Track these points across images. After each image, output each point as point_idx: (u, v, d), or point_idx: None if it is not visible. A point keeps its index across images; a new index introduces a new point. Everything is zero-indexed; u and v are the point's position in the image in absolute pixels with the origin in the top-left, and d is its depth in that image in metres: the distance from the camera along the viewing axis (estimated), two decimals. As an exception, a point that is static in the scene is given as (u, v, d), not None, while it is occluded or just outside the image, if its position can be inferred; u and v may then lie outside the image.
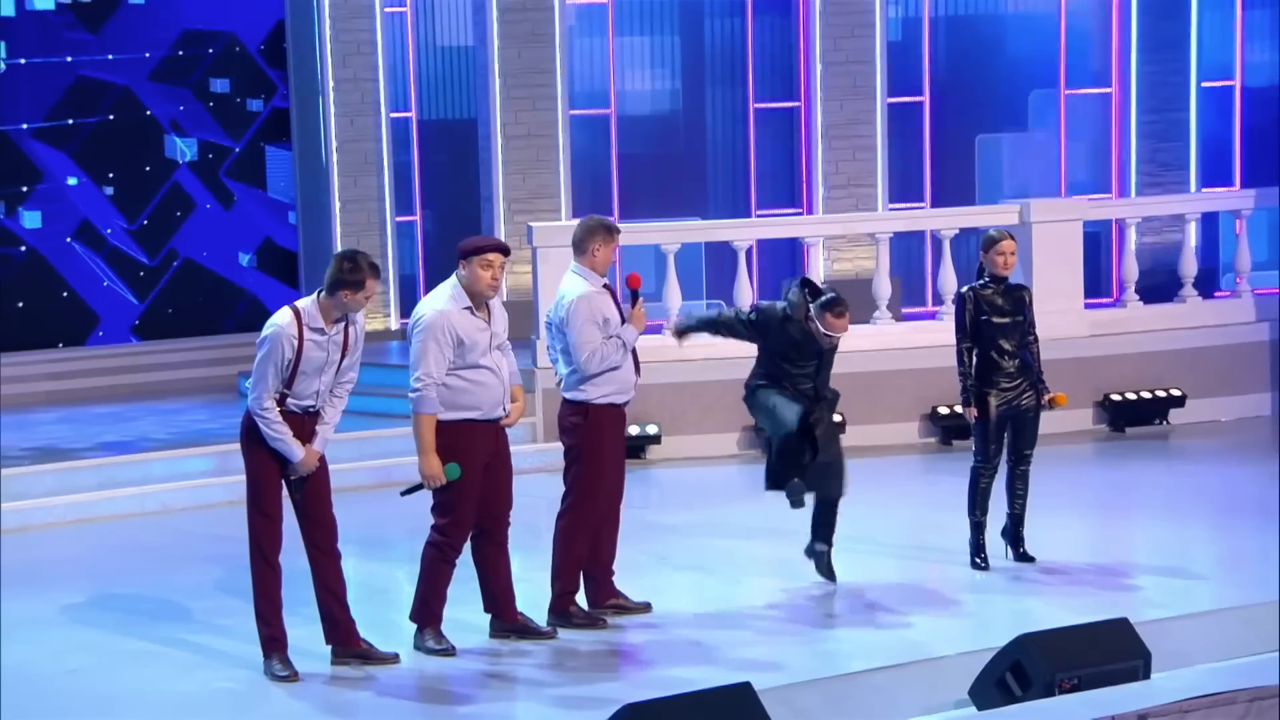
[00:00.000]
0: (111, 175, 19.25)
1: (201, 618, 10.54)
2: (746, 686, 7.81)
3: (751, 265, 18.93)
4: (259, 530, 9.16)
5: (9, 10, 18.74)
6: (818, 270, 18.87)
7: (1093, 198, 19.66)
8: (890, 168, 19.56)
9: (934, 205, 19.71)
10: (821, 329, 10.54)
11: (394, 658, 9.42)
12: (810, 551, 11.05)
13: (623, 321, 10.11)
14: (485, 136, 18.99)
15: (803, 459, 10.65)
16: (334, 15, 19.23)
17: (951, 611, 10.45)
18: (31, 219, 18.95)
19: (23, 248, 18.91)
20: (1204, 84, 20.33)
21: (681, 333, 11.03)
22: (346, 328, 9.23)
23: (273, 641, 9.23)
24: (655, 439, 15.74)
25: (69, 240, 19.12)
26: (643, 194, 19.37)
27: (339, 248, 19.39)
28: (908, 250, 19.19)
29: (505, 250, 9.54)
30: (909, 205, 19.59)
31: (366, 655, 9.39)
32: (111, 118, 19.20)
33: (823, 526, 11.01)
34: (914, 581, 11.16)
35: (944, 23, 19.99)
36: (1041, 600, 10.55)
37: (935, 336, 15.96)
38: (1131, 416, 16.51)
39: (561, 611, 10.15)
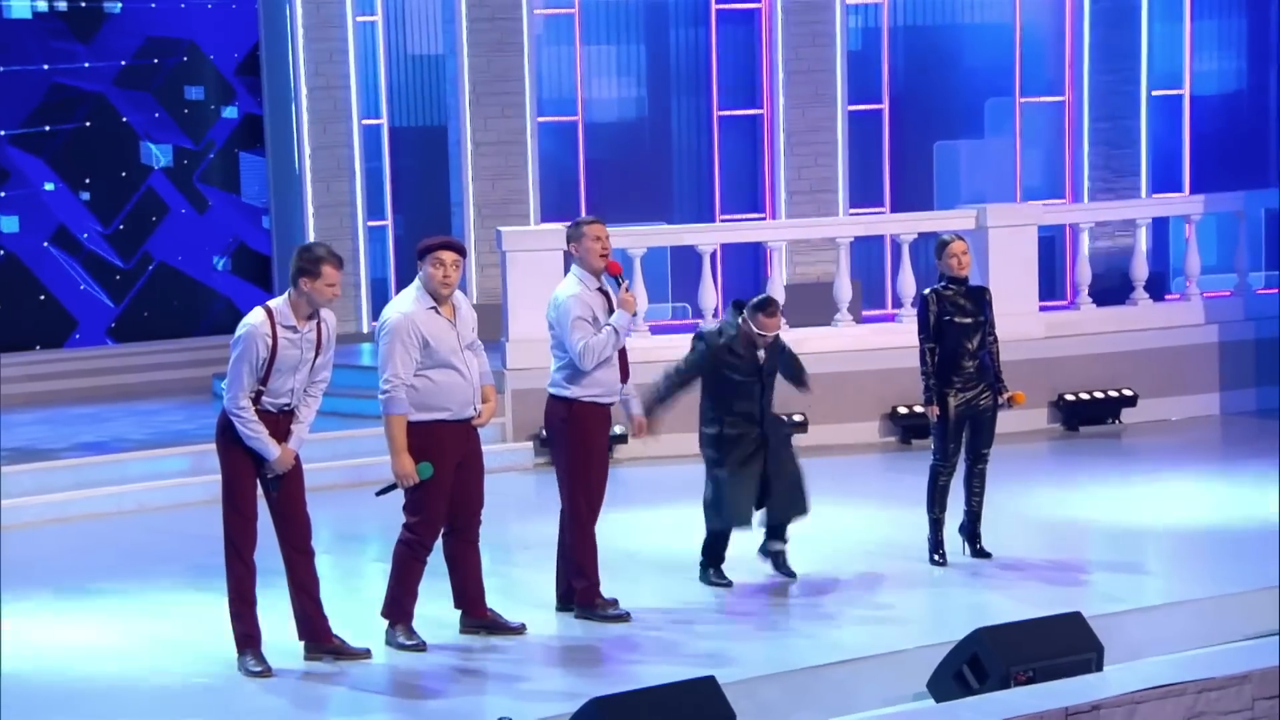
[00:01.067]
0: (88, 181, 19.19)
1: (177, 614, 10.52)
2: (710, 680, 7.83)
3: (716, 269, 19.00)
4: (234, 528, 9.16)
5: (-14, 17, 18.70)
6: (780, 274, 18.94)
7: (1047, 203, 19.70)
8: (850, 174, 19.60)
9: (893, 210, 19.76)
10: (755, 330, 10.67)
11: (365, 653, 9.43)
12: (765, 551, 11.09)
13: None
14: (455, 143, 18.99)
15: (752, 498, 10.76)
16: (306, 24, 19.21)
17: (910, 606, 10.50)
18: (9, 223, 18.89)
19: (0, 252, 18.83)
20: (1154, 92, 20.41)
21: (650, 414, 10.68)
22: (319, 325, 9.22)
23: (246, 638, 9.22)
24: (622, 438, 15.73)
25: (46, 244, 19.05)
26: (610, 199, 19.35)
27: (312, 252, 19.37)
28: (868, 254, 19.22)
29: (456, 248, 9.55)
30: (869, 210, 19.62)
31: (339, 651, 9.39)
32: (88, 124, 19.14)
33: (776, 527, 11.06)
34: (874, 577, 11.20)
35: (902, 32, 20.03)
36: (998, 595, 10.60)
37: (895, 338, 16.03)
38: (1085, 416, 16.58)
39: (588, 604, 10.20)
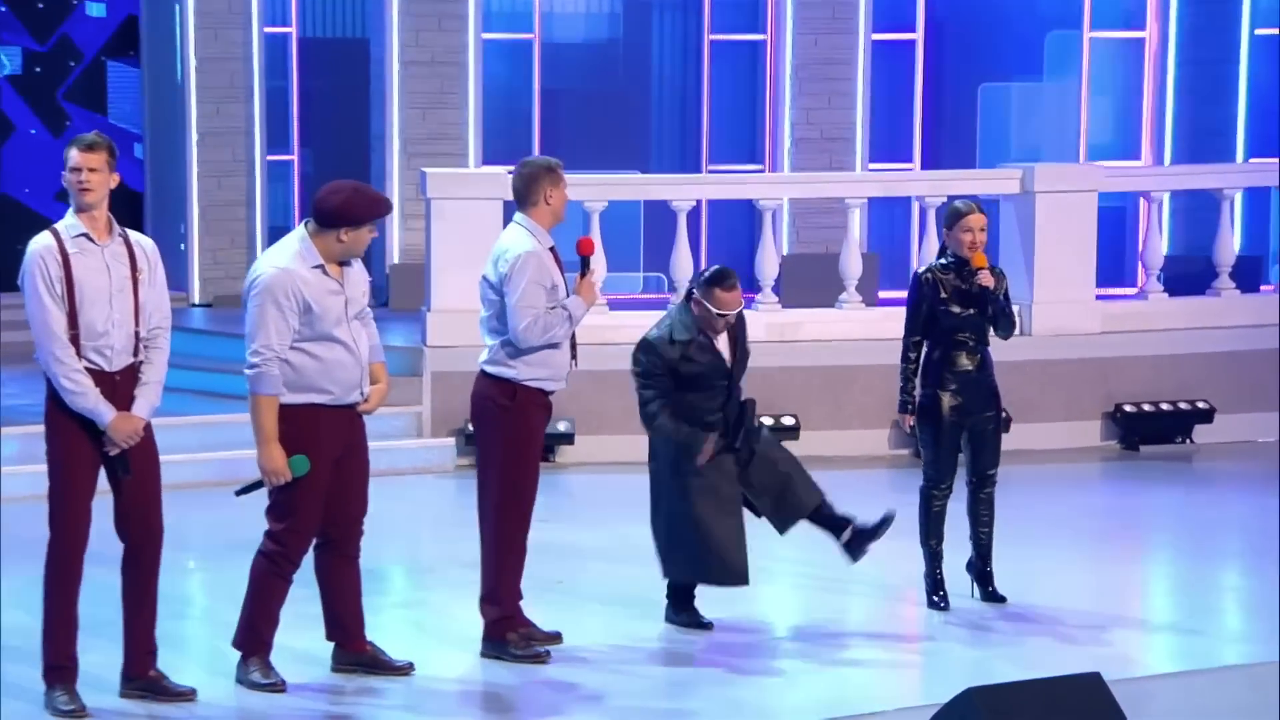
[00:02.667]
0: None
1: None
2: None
3: (699, 234, 19.07)
4: (60, 526, 9.16)
5: None
6: (780, 242, 19.04)
7: (1116, 164, 19.83)
8: (873, 119, 19.65)
9: (925, 166, 19.83)
10: (714, 311, 10.56)
11: (190, 693, 9.45)
12: (848, 548, 11.00)
13: (568, 294, 10.21)
14: (379, 61, 19.07)
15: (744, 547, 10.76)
16: (195, -96, 19.28)
17: (897, 659, 10.55)
18: None
19: None
20: (1258, 31, 20.46)
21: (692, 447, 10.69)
22: (128, 242, 9.24)
23: (58, 670, 9.24)
24: (568, 438, 15.82)
25: None
26: (571, 140, 19.42)
27: (195, 189, 19.49)
28: (890, 221, 19.29)
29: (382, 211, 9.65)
30: (894, 165, 19.69)
31: (157, 689, 9.42)
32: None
33: (830, 526, 10.98)
34: (862, 621, 11.26)
35: (947, -55, 20.15)
36: (1004, 649, 10.64)
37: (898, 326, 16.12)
38: (1148, 432, 16.65)
39: (498, 640, 10.24)
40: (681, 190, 16.57)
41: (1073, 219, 16.62)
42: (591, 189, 16.23)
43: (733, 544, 10.70)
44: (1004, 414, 11.49)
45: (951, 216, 11.20)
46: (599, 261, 15.86)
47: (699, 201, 18.56)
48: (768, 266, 16.41)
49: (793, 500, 10.86)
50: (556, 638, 10.53)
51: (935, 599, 11.36)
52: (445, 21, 18.81)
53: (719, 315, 10.60)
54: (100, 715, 9.22)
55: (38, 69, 19.78)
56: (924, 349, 11.27)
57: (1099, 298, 16.93)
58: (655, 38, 19.81)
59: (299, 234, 9.56)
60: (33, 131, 19.84)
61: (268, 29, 19.57)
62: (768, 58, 19.63)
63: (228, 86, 19.49)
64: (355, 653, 9.96)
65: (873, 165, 19.57)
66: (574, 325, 10.22)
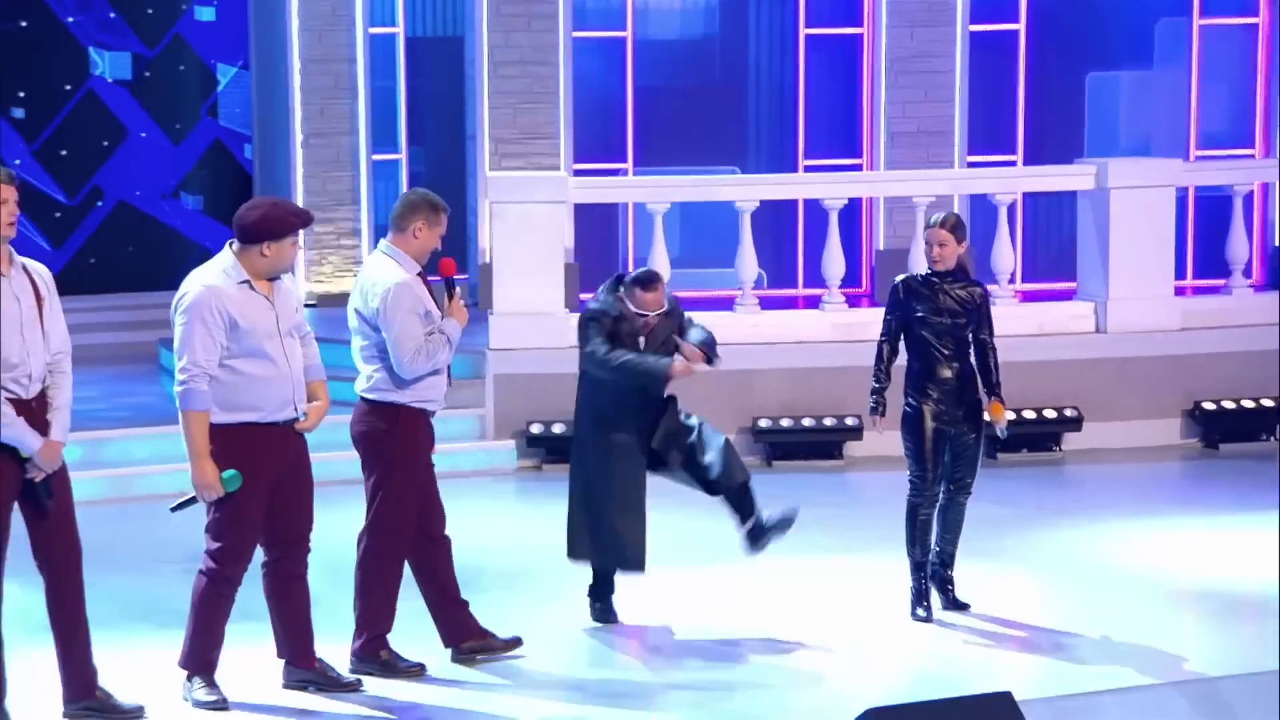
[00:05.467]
0: (21, 95, 19.49)
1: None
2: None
3: (796, 230, 18.97)
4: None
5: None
6: (876, 238, 18.89)
7: (1230, 153, 19.45)
8: (972, 112, 19.37)
9: (1028, 159, 19.55)
10: (633, 309, 10.89)
11: (137, 712, 9.50)
12: (751, 537, 11.18)
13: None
14: (471, 61, 19.05)
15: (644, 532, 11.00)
16: (298, -94, 19.39)
17: (833, 670, 10.49)
18: (-78, 145, 19.32)
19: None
20: (1373, 15, 19.96)
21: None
22: (28, 274, 9.26)
23: (-12, 693, 9.34)
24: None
25: (-32, 173, 19.39)
26: (666, 137, 19.35)
27: (300, 188, 19.61)
28: (985, 215, 18.96)
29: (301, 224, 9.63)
30: (996, 158, 19.42)
31: (105, 708, 9.46)
32: (24, 24, 19.44)
33: (739, 510, 11.18)
34: (833, 635, 11.14)
35: (1050, -66, 19.80)
36: (949, 663, 10.57)
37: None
38: (1229, 430, 16.32)
39: (370, 657, 10.21)
40: (743, 190, 16.41)
41: (1149, 214, 16.37)
42: (654, 191, 16.18)
43: (634, 534, 11.00)
44: (984, 428, 11.37)
45: (925, 227, 11.20)
46: (659, 262, 15.81)
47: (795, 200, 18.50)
48: (833, 266, 16.21)
49: (728, 469, 11.03)
50: (515, 643, 10.63)
51: (919, 611, 11.28)
52: (535, 21, 18.76)
53: (638, 314, 10.91)
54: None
55: (147, 73, 20.01)
56: (897, 356, 11.30)
57: (1201, 290, 16.56)
58: (751, 33, 19.64)
59: (225, 252, 9.60)
60: (143, 135, 20.07)
61: (373, 29, 19.62)
62: (864, 51, 19.39)
63: (332, 87, 19.59)
64: (305, 669, 9.98)
65: (971, 158, 19.27)
66: (454, 347, 10.22)
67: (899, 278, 11.39)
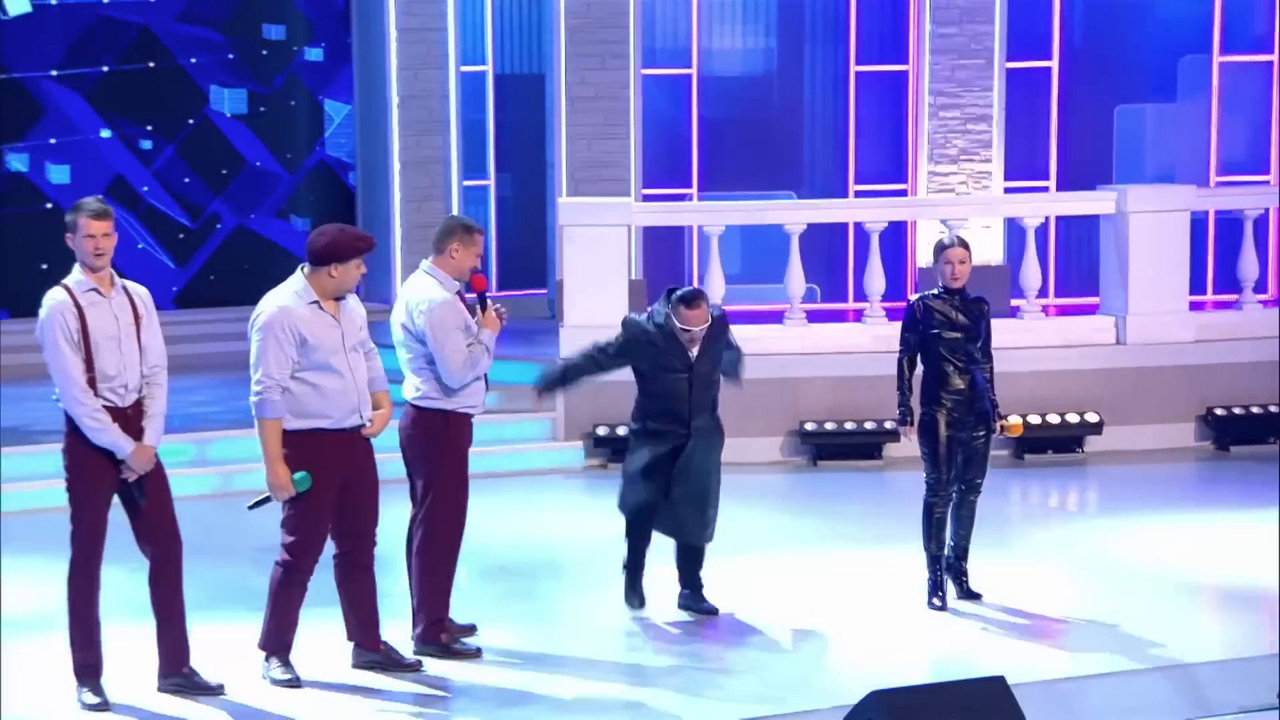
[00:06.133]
0: (150, 128, 19.71)
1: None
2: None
3: (846, 248, 18.97)
4: (81, 542, 9.41)
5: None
6: (919, 256, 18.83)
7: (1248, 179, 19.35)
8: (1009, 141, 19.31)
9: (1061, 184, 19.48)
10: (678, 324, 10.87)
11: (219, 688, 9.66)
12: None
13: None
14: (551, 96, 19.15)
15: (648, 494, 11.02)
16: (397, -41, 19.52)
17: (852, 657, 10.53)
18: (59, 173, 19.49)
19: (48, 205, 19.41)
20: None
21: (542, 390, 11.39)
22: (128, 294, 9.41)
23: (86, 667, 9.50)
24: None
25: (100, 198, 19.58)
26: (728, 165, 19.37)
27: (398, 212, 19.76)
28: (1019, 238, 18.91)
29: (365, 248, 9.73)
30: (1031, 184, 19.37)
31: (191, 684, 9.61)
32: (151, 65, 19.67)
33: (684, 572, 11.26)
34: (846, 621, 11.20)
35: (1083, -20, 19.72)
36: (962, 648, 10.58)
37: (1005, 336, 15.87)
38: (1238, 433, 16.24)
39: (431, 640, 10.32)
40: (793, 215, 16.48)
41: (1165, 236, 16.32)
42: (710, 215, 16.25)
43: (642, 490, 11.03)
44: (999, 421, 11.35)
45: (937, 250, 11.30)
46: (715, 281, 15.90)
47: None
48: (874, 283, 16.23)
49: (672, 517, 11.11)
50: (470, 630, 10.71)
51: (935, 600, 11.30)
52: (608, 60, 18.83)
53: (682, 330, 10.91)
54: (138, 708, 9.47)
55: (262, 108, 20.17)
56: (916, 368, 11.34)
57: (1220, 305, 16.47)
58: (806, 70, 19.65)
59: (297, 275, 9.73)
60: (258, 164, 20.22)
61: (464, 68, 19.74)
62: (910, 86, 19.37)
63: (427, 120, 19.70)
64: (371, 651, 10.08)
65: (1008, 184, 19.22)
66: (491, 354, 10.33)
67: (913, 297, 11.44)
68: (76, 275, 9.40)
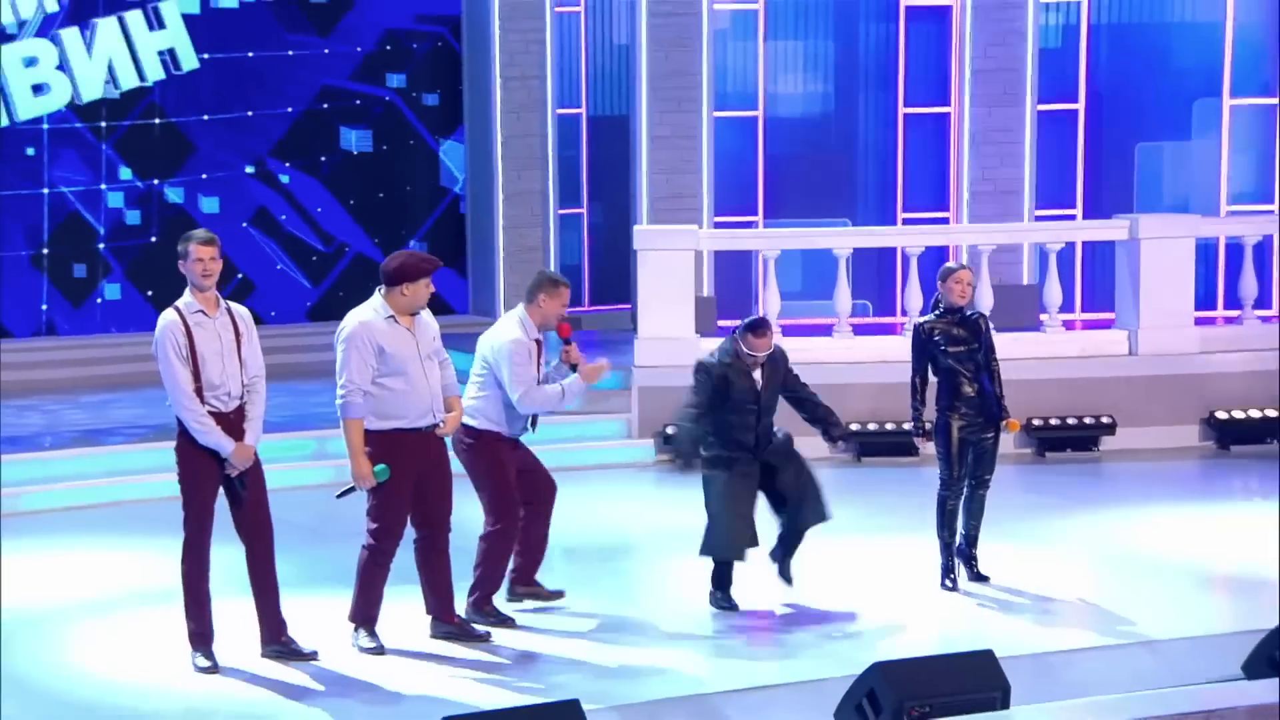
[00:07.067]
0: (288, 164, 19.93)
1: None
2: (574, 704, 7.94)
3: (895, 268, 18.93)
4: (191, 528, 9.58)
5: (194, 8, 19.49)
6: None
7: (1255, 209, 19.20)
8: (1040, 175, 19.25)
9: (1088, 214, 19.40)
10: (745, 351, 10.72)
11: (313, 655, 9.79)
12: (772, 556, 11.12)
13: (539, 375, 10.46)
14: (634, 136, 19.23)
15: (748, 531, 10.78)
16: (502, 15, 19.64)
17: (867, 633, 10.55)
18: (209, 204, 19.72)
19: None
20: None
21: (685, 465, 10.92)
22: (230, 314, 9.54)
23: (199, 636, 9.66)
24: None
25: (245, 225, 19.84)
26: (790, 195, 19.39)
27: (501, 237, 19.90)
28: (1044, 261, 18.83)
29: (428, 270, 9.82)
30: (1060, 213, 19.31)
31: (289, 651, 9.74)
32: (289, 110, 19.87)
33: (786, 540, 11.10)
34: (870, 599, 11.20)
35: (1105, 30, 19.58)
36: (970, 624, 10.58)
37: (1030, 347, 15.90)
38: (1239, 434, 16.09)
39: (481, 608, 10.47)
40: (841, 240, 16.47)
41: (1173, 260, 16.21)
42: (767, 241, 16.30)
43: (739, 530, 10.72)
44: (1004, 420, 11.30)
45: (944, 273, 11.33)
46: (772, 300, 15.96)
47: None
48: (913, 300, 16.21)
49: (806, 514, 10.97)
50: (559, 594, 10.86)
51: (947, 582, 11.32)
52: (683, 104, 18.89)
53: (749, 355, 10.74)
54: (244, 670, 9.68)
55: (384, 146, 20.33)
56: (928, 384, 11.32)
57: (1229, 320, 16.36)
58: (860, 111, 19.65)
59: (375, 295, 9.86)
60: (380, 195, 20.38)
61: (560, 110, 19.87)
62: (952, 126, 19.34)
63: (527, 157, 19.84)
64: (447, 623, 10.20)
65: (1039, 213, 19.17)
66: (567, 401, 10.46)
67: (916, 321, 11.43)
68: (186, 298, 9.55)
